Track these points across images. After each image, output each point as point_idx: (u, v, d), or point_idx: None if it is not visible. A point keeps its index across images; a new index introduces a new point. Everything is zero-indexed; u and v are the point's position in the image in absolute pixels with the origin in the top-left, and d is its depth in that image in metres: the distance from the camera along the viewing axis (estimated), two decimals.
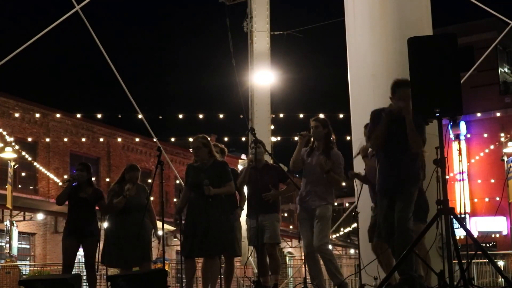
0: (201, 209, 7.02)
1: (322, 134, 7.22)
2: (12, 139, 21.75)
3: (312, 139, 7.29)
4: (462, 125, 33.85)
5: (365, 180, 7.51)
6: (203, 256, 7.22)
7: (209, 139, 7.43)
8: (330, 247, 7.51)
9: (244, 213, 8.23)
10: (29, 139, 26.64)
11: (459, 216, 6.12)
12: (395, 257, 6.11)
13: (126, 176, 8.37)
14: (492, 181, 31.39)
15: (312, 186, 7.20)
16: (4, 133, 20.90)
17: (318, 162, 7.13)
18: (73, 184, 8.06)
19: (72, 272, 8.22)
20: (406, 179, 6.05)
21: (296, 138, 7.32)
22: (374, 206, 7.30)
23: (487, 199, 32.80)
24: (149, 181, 8.28)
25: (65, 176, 25.35)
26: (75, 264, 8.39)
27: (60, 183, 26.11)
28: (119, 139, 30.48)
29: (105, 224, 8.68)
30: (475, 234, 21.78)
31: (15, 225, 21.60)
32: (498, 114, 31.73)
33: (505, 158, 21.95)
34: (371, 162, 7.07)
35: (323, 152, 7.20)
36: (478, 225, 33.21)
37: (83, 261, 8.27)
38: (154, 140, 15.68)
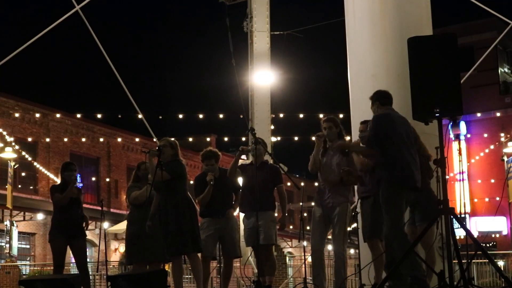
0: (170, 208, 7.11)
1: (335, 133, 7.30)
2: (12, 139, 21.75)
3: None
4: (462, 125, 33.85)
5: (355, 179, 7.40)
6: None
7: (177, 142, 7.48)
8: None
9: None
10: (29, 139, 26.63)
11: (459, 216, 6.12)
12: (387, 258, 6.13)
13: (139, 173, 8.18)
14: (492, 181, 31.39)
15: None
16: (4, 133, 20.90)
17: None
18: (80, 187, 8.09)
19: (68, 273, 8.17)
20: (378, 180, 6.10)
21: (313, 138, 7.33)
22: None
23: (487, 199, 32.80)
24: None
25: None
26: (75, 264, 8.35)
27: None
28: (119, 139, 30.48)
29: (105, 225, 8.63)
30: (475, 234, 21.79)
31: (15, 225, 21.60)
32: (498, 114, 31.76)
33: (505, 158, 21.98)
34: (359, 159, 7.07)
35: (338, 151, 7.22)
36: (478, 225, 33.21)
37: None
38: (154, 140, 15.68)
